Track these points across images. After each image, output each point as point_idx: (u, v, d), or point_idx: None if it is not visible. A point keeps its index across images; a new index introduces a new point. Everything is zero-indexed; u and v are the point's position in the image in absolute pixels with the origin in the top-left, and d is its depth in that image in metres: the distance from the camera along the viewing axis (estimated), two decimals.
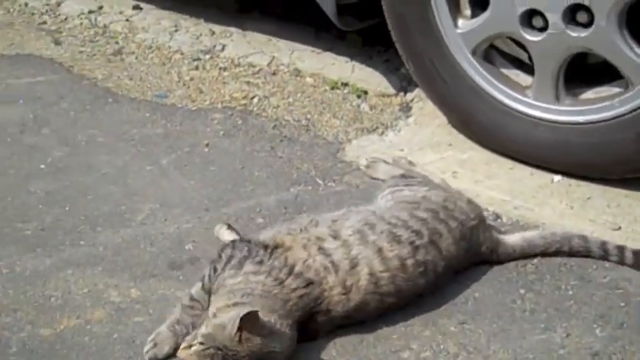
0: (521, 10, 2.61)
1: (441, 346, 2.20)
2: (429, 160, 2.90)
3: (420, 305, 2.31)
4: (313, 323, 2.19)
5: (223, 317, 2.05)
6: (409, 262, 2.25)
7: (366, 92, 3.30)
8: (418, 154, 2.93)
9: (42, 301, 2.34)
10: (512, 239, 2.47)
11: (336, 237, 2.27)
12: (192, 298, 2.21)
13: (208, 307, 2.17)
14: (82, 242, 2.56)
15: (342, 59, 3.49)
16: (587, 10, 2.52)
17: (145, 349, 2.17)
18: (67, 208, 2.70)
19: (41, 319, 2.29)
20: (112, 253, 2.52)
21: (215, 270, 2.20)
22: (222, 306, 2.10)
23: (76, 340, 2.23)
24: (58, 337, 2.23)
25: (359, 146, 3.00)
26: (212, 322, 2.06)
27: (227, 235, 2.52)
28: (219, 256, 2.23)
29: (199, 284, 2.22)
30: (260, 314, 2.02)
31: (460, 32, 2.78)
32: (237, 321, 1.98)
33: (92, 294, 2.37)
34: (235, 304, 2.08)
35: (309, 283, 2.18)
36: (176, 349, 2.14)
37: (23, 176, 2.85)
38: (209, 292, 2.19)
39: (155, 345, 2.18)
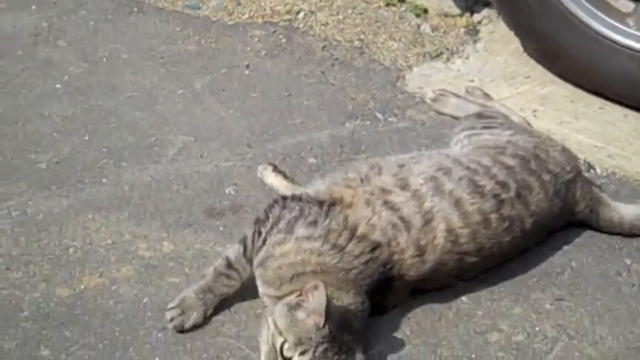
0: None
1: (537, 328, 1.85)
2: (504, 95, 2.52)
3: (507, 274, 1.96)
4: (384, 290, 1.84)
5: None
6: (493, 216, 1.89)
7: (426, 11, 2.89)
8: (490, 87, 2.54)
9: (59, 253, 1.98)
10: (626, 210, 2.07)
11: (404, 187, 1.90)
12: (229, 265, 1.84)
13: (251, 276, 1.83)
14: (104, 180, 2.19)
15: None
16: None
17: (169, 315, 1.82)
18: (87, 138, 2.33)
19: (58, 275, 1.93)
20: (140, 195, 2.15)
21: (260, 233, 1.83)
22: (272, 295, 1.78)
23: (99, 303, 1.87)
24: (78, 299, 1.87)
25: (421, 74, 2.61)
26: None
27: (272, 179, 2.16)
28: (266, 216, 1.86)
29: (240, 248, 1.85)
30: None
31: None
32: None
33: (117, 246, 2.00)
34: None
35: (376, 247, 1.82)
36: (204, 319, 1.83)
37: (36, 97, 2.47)
38: (251, 261, 1.83)
39: (182, 312, 1.82)
